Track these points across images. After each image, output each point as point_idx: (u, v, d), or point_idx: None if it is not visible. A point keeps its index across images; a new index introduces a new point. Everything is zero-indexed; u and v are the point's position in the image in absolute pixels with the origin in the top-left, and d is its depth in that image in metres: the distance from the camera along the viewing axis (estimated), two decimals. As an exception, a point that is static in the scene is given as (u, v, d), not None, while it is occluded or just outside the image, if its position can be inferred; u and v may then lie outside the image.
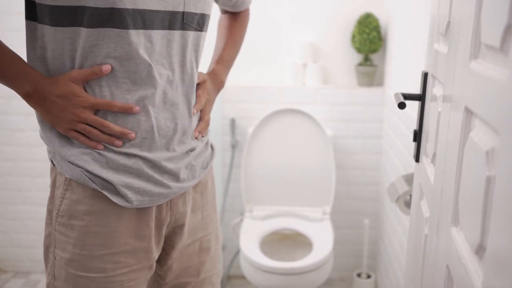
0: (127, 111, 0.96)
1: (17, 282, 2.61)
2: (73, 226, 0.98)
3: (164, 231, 1.07)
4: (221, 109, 2.46)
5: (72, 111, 0.94)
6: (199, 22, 1.04)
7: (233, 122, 2.47)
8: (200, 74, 1.14)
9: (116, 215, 0.99)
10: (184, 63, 1.02)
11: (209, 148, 1.17)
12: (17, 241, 2.65)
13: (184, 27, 1.00)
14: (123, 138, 0.97)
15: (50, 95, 0.94)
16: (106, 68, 0.93)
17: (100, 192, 0.97)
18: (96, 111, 0.96)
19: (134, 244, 1.02)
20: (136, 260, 1.02)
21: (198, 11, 1.03)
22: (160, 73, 0.98)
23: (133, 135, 0.97)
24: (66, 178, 0.98)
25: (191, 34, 1.02)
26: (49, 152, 1.02)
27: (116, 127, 0.96)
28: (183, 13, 0.99)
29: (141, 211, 1.02)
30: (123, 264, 1.01)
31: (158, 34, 0.96)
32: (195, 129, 1.09)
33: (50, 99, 0.94)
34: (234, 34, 1.31)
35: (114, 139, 0.97)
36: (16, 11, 2.35)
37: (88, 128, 0.96)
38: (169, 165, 1.02)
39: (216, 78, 1.22)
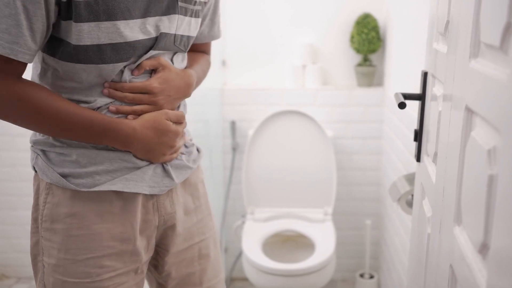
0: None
1: (21, 287, 2.61)
2: (56, 230, 0.97)
3: (154, 233, 1.06)
4: (221, 111, 2.46)
5: (171, 145, 1.02)
6: None
7: (233, 125, 2.47)
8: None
9: (98, 217, 0.98)
10: None
11: (195, 149, 1.16)
12: (18, 246, 2.65)
13: None
14: None
15: (151, 138, 0.98)
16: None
17: (79, 192, 0.96)
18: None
19: (119, 247, 1.00)
20: (122, 264, 1.01)
21: None
22: None
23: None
24: (47, 183, 0.98)
25: None
26: (32, 159, 1.02)
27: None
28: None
29: (125, 212, 1.00)
30: (109, 269, 0.99)
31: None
32: None
33: (151, 141, 0.99)
34: (200, 62, 1.18)
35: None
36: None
37: (178, 151, 1.07)
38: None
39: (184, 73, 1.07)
